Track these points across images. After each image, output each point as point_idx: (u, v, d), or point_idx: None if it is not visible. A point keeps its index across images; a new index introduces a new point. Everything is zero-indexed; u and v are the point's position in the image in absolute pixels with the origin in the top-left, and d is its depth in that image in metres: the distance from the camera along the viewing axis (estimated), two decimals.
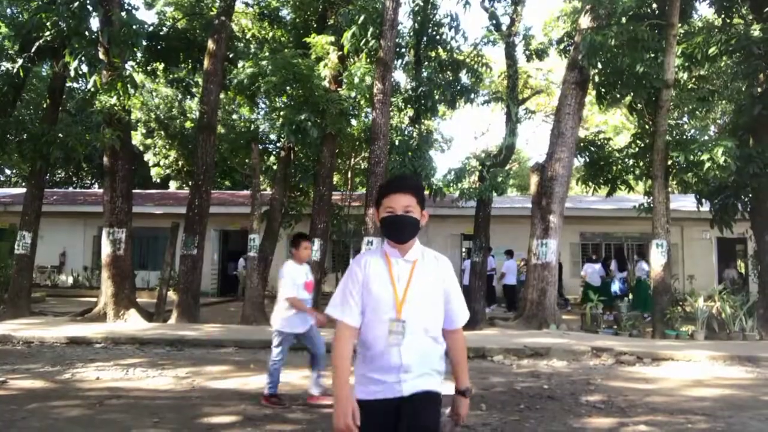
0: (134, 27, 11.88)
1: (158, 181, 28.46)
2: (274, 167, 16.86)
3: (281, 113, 12.92)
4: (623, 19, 12.07)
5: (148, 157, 26.89)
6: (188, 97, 21.12)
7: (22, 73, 12.46)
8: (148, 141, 26.76)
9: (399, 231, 2.26)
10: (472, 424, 5.03)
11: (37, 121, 15.85)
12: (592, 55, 11.49)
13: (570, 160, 12.75)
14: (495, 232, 15.28)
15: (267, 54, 13.90)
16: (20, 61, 12.19)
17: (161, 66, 16.66)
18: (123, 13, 12.64)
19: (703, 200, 12.87)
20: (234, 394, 6.17)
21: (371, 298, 2.22)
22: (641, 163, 13.27)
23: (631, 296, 14.85)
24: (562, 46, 15.23)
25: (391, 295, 2.21)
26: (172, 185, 28.57)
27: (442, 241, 19.12)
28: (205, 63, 13.49)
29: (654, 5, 13.12)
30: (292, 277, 5.82)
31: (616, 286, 15.55)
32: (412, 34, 14.55)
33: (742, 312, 11.13)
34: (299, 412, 5.53)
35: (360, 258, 2.34)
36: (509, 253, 16.78)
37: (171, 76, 17.78)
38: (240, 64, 14.94)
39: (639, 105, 12.97)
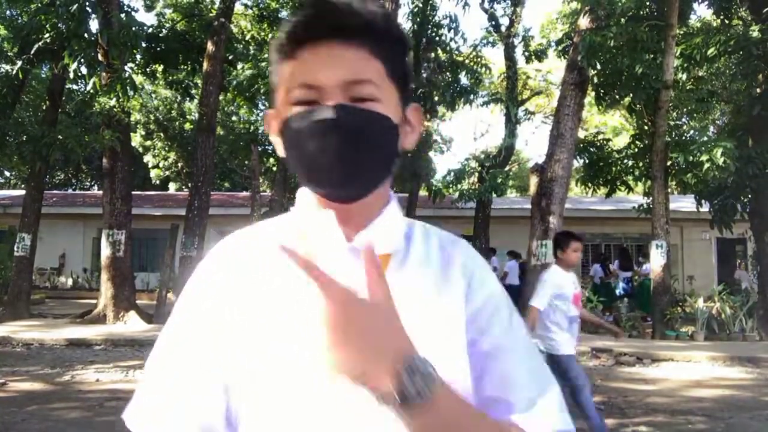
0: (133, 29, 11.89)
1: (158, 182, 28.47)
2: (274, 169, 16.87)
3: None
4: (622, 20, 12.09)
5: (148, 159, 26.90)
6: (187, 98, 21.14)
7: (21, 75, 12.47)
8: (148, 143, 26.77)
9: (338, 161, 0.80)
10: None
11: (36, 122, 15.86)
12: (591, 55, 11.50)
13: (569, 161, 12.76)
14: (494, 233, 15.29)
15: (266, 55, 13.91)
16: (19, 63, 12.20)
17: (160, 68, 16.67)
18: (122, 15, 12.65)
19: (703, 201, 12.88)
20: None
21: (261, 375, 0.78)
22: (640, 164, 13.29)
23: (632, 297, 14.87)
24: (561, 47, 15.25)
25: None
26: (172, 187, 28.58)
27: None
28: (205, 65, 13.49)
29: (653, 6, 13.13)
30: (557, 285, 4.53)
31: (619, 287, 15.54)
32: (411, 35, 14.57)
33: (742, 313, 11.13)
34: None
35: (212, 260, 0.88)
36: (512, 254, 16.80)
37: (170, 77, 17.79)
38: (239, 65, 14.97)
39: (638, 106, 12.99)
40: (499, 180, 12.66)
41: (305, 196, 0.89)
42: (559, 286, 4.52)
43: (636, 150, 13.43)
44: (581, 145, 13.84)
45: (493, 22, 15.07)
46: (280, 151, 0.89)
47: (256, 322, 0.79)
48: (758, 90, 12.53)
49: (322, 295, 0.66)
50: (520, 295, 13.91)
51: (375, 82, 0.83)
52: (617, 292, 15.15)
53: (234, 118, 25.00)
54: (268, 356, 0.76)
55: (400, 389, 0.65)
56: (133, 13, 14.50)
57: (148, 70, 16.51)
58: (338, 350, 0.65)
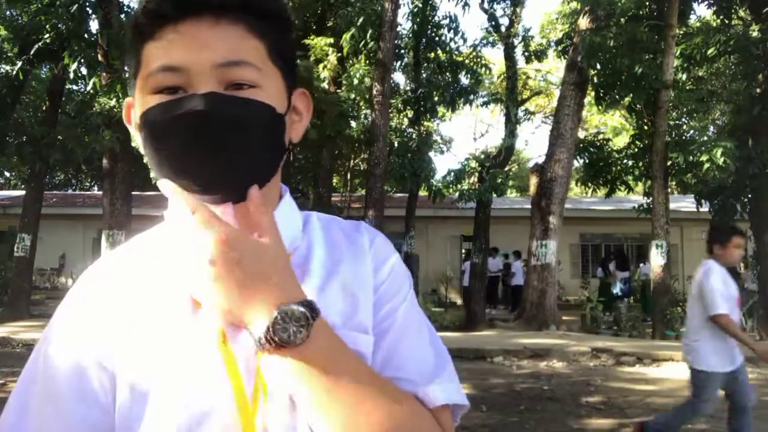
0: None
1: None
2: None
3: None
4: (622, 20, 12.09)
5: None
6: None
7: (21, 76, 12.47)
8: None
9: (211, 160, 0.69)
10: (471, 426, 5.03)
11: (36, 123, 15.86)
12: (591, 56, 11.51)
13: (569, 161, 12.77)
14: (494, 233, 15.28)
15: None
16: (19, 64, 12.20)
17: None
18: (122, 16, 12.65)
19: (703, 201, 12.88)
20: None
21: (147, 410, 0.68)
22: (640, 164, 13.29)
23: (632, 298, 14.88)
24: (560, 48, 15.26)
25: (220, 385, 0.69)
26: None
27: (442, 243, 19.11)
28: None
29: (653, 6, 13.14)
30: (724, 282, 3.95)
31: (617, 287, 15.55)
32: (411, 35, 14.58)
33: (741, 313, 11.13)
34: None
35: (79, 290, 0.84)
36: (517, 254, 16.81)
37: None
38: None
39: (638, 106, 13.00)
40: (499, 180, 12.66)
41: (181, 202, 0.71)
42: (726, 284, 3.95)
43: (636, 150, 13.44)
44: (581, 145, 13.85)
45: (493, 23, 15.07)
46: (140, 146, 0.75)
47: (134, 336, 0.71)
48: (758, 90, 12.53)
49: (209, 231, 0.62)
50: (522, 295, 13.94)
51: (254, 64, 0.71)
52: (615, 292, 15.17)
53: None
54: (147, 387, 0.68)
55: (272, 332, 0.62)
56: (132, 13, 14.50)
57: None
58: (216, 284, 0.63)
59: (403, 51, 14.57)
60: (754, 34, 11.55)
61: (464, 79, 14.95)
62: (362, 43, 12.34)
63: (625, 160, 13.78)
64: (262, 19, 0.73)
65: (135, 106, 0.74)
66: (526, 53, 15.58)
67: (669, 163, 11.81)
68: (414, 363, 0.76)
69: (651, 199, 12.08)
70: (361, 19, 12.19)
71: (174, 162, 0.69)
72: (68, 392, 0.70)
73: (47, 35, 11.71)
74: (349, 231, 0.86)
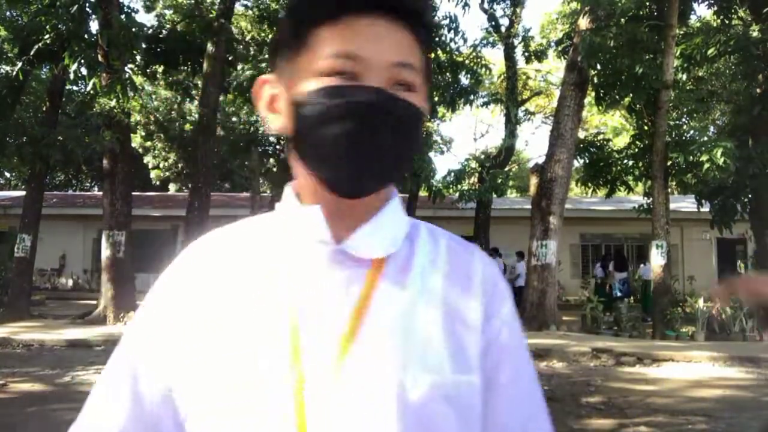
0: (133, 29, 11.90)
1: (158, 183, 28.49)
2: (274, 169, 16.88)
3: None
4: (622, 21, 12.09)
5: (148, 160, 26.91)
6: (188, 99, 21.15)
7: (21, 76, 12.47)
8: (148, 143, 26.79)
9: (366, 150, 0.70)
10: None
11: (36, 123, 15.87)
12: (591, 56, 11.51)
13: (569, 161, 12.76)
14: (495, 233, 15.29)
15: (267, 56, 13.93)
16: (20, 64, 12.21)
17: (161, 68, 16.68)
18: (122, 16, 12.65)
19: (703, 201, 12.89)
20: None
21: (216, 385, 0.67)
22: (640, 164, 13.29)
23: (632, 298, 14.87)
24: (561, 48, 15.26)
25: (286, 369, 0.66)
26: (172, 188, 28.59)
27: None
28: (205, 65, 13.51)
29: (653, 6, 13.14)
30: None
31: (615, 288, 15.56)
32: None
33: (742, 313, 11.13)
34: None
35: (176, 264, 0.81)
36: (520, 255, 16.82)
37: (170, 78, 17.80)
38: (239, 66, 14.98)
39: (638, 106, 13.00)
40: (499, 180, 12.66)
41: (293, 189, 0.78)
42: None
43: (636, 150, 13.44)
44: (581, 146, 13.85)
45: (493, 23, 15.08)
46: (277, 125, 0.77)
47: (214, 326, 0.70)
48: (758, 90, 12.54)
49: None
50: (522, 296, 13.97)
51: (417, 70, 0.74)
52: (614, 292, 15.18)
53: (234, 118, 25.02)
54: (223, 363, 0.67)
55: None
56: (133, 14, 14.49)
57: (148, 71, 16.52)
58: None
59: None
60: (754, 34, 11.56)
61: (464, 80, 14.96)
62: None
63: (625, 160, 13.78)
64: (425, 31, 0.76)
65: (286, 88, 0.74)
66: (526, 53, 15.59)
67: (669, 163, 11.81)
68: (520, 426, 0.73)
69: (651, 199, 12.08)
70: None
71: (327, 146, 0.69)
72: (141, 352, 0.73)
73: (47, 36, 11.72)
74: (458, 249, 0.82)
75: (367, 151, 0.70)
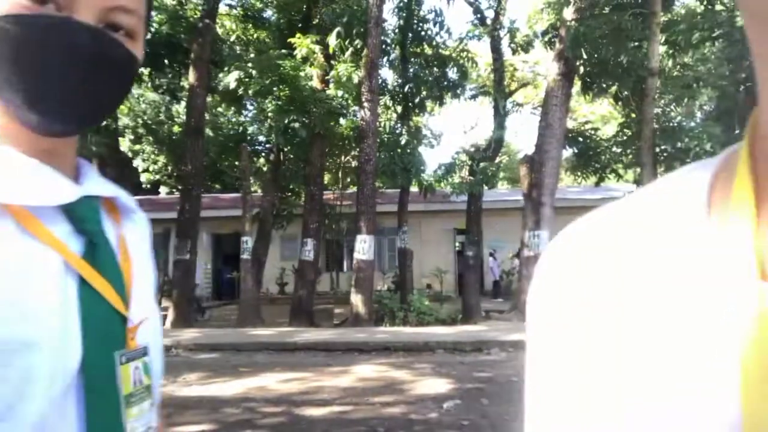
0: None
1: (148, 186, 28.34)
2: (264, 169, 16.84)
3: (269, 115, 12.92)
4: (606, 9, 12.14)
5: (137, 163, 26.77)
6: (175, 101, 21.04)
7: None
8: (137, 147, 26.64)
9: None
10: (472, 418, 5.06)
11: None
12: (577, 46, 11.55)
13: (559, 151, 12.82)
14: (487, 225, 15.34)
15: (252, 56, 13.89)
16: None
17: (147, 71, 16.58)
18: None
19: None
20: (214, 401, 6.17)
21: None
22: (629, 152, 13.37)
23: None
24: (547, 38, 15.29)
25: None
26: (163, 190, 28.46)
27: (435, 237, 19.13)
28: (191, 67, 13.44)
29: None
30: None
31: None
32: (397, 30, 14.56)
33: None
34: (271, 417, 5.44)
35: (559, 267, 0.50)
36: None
37: (157, 80, 17.69)
38: (225, 66, 14.91)
39: (625, 94, 13.06)
40: (490, 172, 12.70)
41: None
42: None
43: (624, 138, 13.52)
44: (570, 135, 13.91)
45: (479, 15, 15.09)
46: None
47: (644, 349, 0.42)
48: (743, 75, 12.63)
49: None
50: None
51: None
52: None
53: (222, 119, 24.92)
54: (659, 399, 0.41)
55: None
56: None
57: None
58: None
59: (389, 47, 14.55)
60: (739, 19, 11.63)
61: (452, 73, 14.96)
62: (348, 40, 12.33)
63: (613, 148, 13.86)
64: None
65: None
66: (513, 45, 15.60)
67: (657, 150, 11.88)
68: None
69: (641, 186, 12.16)
70: (346, 17, 12.18)
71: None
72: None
73: None
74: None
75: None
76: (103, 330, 0.68)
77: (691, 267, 0.41)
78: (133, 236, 0.84)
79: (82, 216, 0.72)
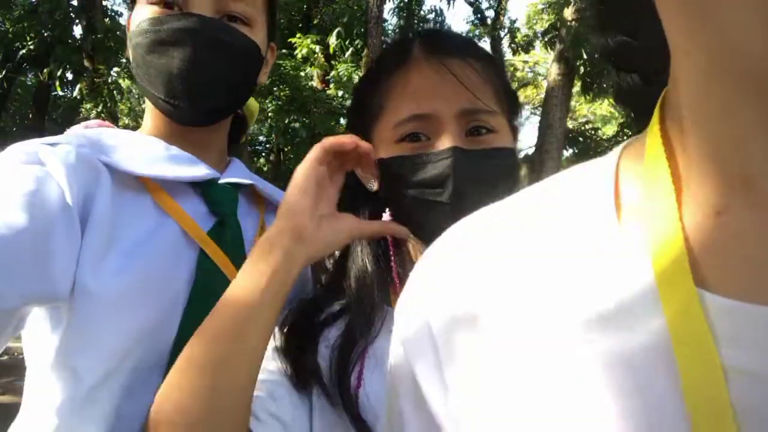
0: (118, 33, 11.82)
1: None
2: (264, 169, 16.86)
3: (269, 115, 12.92)
4: None
5: None
6: None
7: (6, 84, 12.38)
8: None
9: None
10: None
11: (23, 130, 15.77)
12: (577, 46, 11.56)
13: (559, 151, 12.82)
14: None
15: None
16: (4, 72, 12.11)
17: None
18: (107, 20, 12.56)
19: None
20: None
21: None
22: None
23: None
24: (547, 38, 15.30)
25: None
26: None
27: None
28: None
29: None
30: None
31: None
32: (397, 30, 14.57)
33: None
34: None
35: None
36: None
37: None
38: None
39: None
40: None
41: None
42: None
43: (625, 138, 13.52)
44: (570, 135, 13.90)
45: (479, 15, 15.09)
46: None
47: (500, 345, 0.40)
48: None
49: None
50: None
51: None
52: None
53: None
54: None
55: None
56: (117, 17, 14.41)
57: None
58: None
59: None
60: None
61: None
62: (348, 40, 12.34)
63: (614, 148, 13.89)
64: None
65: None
66: (513, 45, 15.61)
67: None
68: None
69: None
70: (346, 17, 12.19)
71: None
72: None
73: (30, 42, 11.63)
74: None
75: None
76: (213, 302, 0.68)
77: (597, 272, 0.36)
78: None
79: (217, 198, 0.78)
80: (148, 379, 0.68)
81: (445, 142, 0.71)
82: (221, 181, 0.80)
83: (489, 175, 0.71)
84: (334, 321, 0.77)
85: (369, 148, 0.72)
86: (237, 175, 0.84)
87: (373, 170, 0.76)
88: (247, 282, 0.63)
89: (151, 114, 0.79)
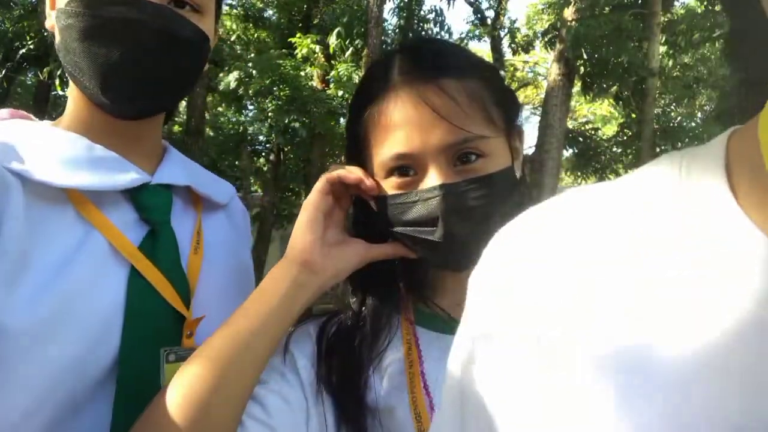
0: None
1: None
2: (265, 169, 16.86)
3: (269, 114, 12.92)
4: (606, 9, 12.13)
5: None
6: None
7: (6, 83, 12.37)
8: None
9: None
10: None
11: None
12: (577, 46, 11.55)
13: (559, 151, 12.81)
14: None
15: (252, 56, 13.89)
16: (3, 71, 12.10)
17: None
18: None
19: None
20: None
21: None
22: (629, 152, 13.37)
23: None
24: (547, 38, 15.29)
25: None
26: None
27: None
28: None
29: None
30: None
31: None
32: (397, 30, 14.56)
33: None
34: None
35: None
36: None
37: None
38: (226, 66, 14.89)
39: (625, 94, 13.06)
40: None
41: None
42: None
43: (625, 138, 13.52)
44: (570, 135, 13.90)
45: (479, 15, 15.08)
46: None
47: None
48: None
49: None
50: None
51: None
52: None
53: (222, 119, 24.93)
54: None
55: None
56: None
57: None
58: None
59: (389, 47, 14.55)
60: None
61: None
62: (348, 40, 12.34)
63: (613, 149, 13.87)
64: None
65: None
66: (513, 45, 15.61)
67: (657, 150, 11.88)
68: None
69: None
70: (346, 17, 12.18)
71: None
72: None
73: (30, 41, 11.62)
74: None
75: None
76: (150, 325, 0.66)
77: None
78: (216, 230, 0.82)
79: (147, 204, 0.69)
80: (79, 412, 0.63)
81: (432, 179, 0.69)
82: (153, 182, 0.72)
83: (482, 203, 0.70)
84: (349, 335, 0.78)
85: (372, 187, 0.73)
86: (172, 172, 0.76)
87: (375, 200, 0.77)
88: (253, 308, 0.66)
89: (76, 103, 0.70)
